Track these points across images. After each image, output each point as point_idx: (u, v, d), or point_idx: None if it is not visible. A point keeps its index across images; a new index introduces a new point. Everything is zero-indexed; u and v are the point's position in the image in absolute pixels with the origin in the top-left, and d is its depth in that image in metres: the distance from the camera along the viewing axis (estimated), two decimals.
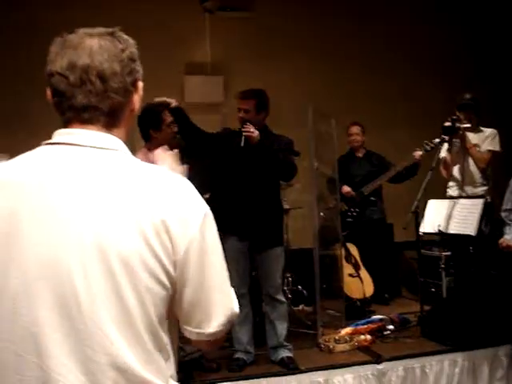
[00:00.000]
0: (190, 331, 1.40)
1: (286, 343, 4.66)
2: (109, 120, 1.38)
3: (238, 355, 4.61)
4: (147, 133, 4.16)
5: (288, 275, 6.05)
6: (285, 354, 4.61)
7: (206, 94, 7.13)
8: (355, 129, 6.68)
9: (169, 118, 4.17)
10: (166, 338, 1.36)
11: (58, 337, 1.24)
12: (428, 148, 5.84)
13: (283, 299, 4.67)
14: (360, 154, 6.77)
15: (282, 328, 4.61)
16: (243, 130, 4.38)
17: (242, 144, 4.36)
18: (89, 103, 1.34)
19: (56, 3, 6.49)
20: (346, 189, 6.53)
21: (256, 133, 4.36)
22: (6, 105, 6.29)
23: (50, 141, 1.38)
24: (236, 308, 1.45)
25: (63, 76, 1.33)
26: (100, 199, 1.28)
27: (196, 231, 1.32)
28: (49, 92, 1.39)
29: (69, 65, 1.33)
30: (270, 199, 4.62)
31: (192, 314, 1.38)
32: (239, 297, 4.43)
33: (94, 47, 1.34)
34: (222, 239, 3.80)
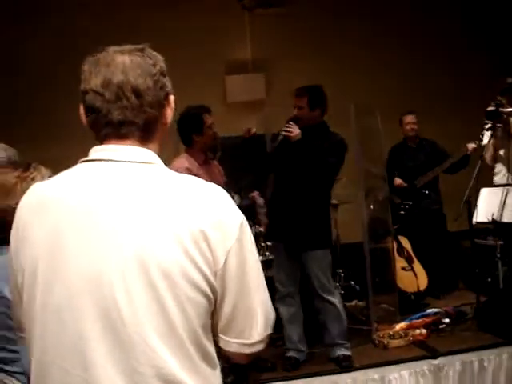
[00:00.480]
0: (229, 342, 1.39)
1: (341, 341, 4.61)
2: (144, 134, 1.40)
3: (290, 354, 4.59)
4: (189, 137, 4.16)
5: (340, 271, 5.99)
6: (341, 352, 4.57)
7: (247, 92, 7.11)
8: (410, 118, 6.56)
9: (209, 120, 4.17)
10: (211, 348, 1.36)
11: (103, 350, 1.25)
12: (483, 142, 5.63)
13: (334, 300, 4.57)
14: (413, 145, 6.64)
15: (335, 328, 4.56)
16: (283, 128, 4.40)
17: (277, 143, 4.43)
18: (125, 118, 1.37)
19: (96, 13, 6.56)
20: (398, 181, 6.44)
21: (296, 132, 4.36)
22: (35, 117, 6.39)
23: (86, 158, 1.40)
24: (273, 313, 1.46)
25: (98, 93, 1.36)
26: (139, 212, 1.30)
27: (234, 241, 1.34)
28: (82, 110, 1.41)
29: (104, 82, 1.35)
30: (312, 200, 4.54)
31: (232, 324, 1.38)
32: (287, 296, 4.43)
33: (126, 63, 1.37)
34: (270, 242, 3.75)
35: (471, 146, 6.00)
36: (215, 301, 1.34)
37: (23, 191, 2.13)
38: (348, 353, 4.59)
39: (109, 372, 1.25)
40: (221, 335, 1.39)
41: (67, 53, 6.20)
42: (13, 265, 1.40)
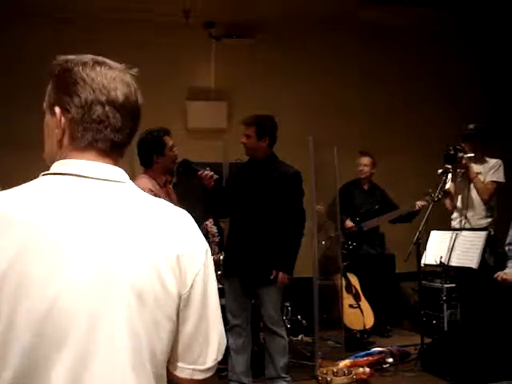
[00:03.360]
0: (184, 368, 1.36)
1: (284, 375, 4.57)
2: (119, 154, 1.38)
3: None
4: (150, 158, 4.13)
5: (287, 304, 5.98)
6: None
7: (209, 119, 7.12)
8: (365, 160, 6.66)
9: (170, 142, 4.16)
10: (164, 376, 1.33)
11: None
12: (435, 198, 5.48)
13: (282, 333, 4.56)
14: (365, 187, 6.74)
15: (280, 361, 4.53)
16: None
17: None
18: (118, 139, 1.35)
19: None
20: (349, 224, 6.50)
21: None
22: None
23: (53, 171, 1.33)
24: (225, 340, 1.44)
25: (116, 110, 1.33)
26: (112, 235, 1.26)
27: (201, 265, 1.34)
28: (68, 118, 1.33)
29: (124, 101, 1.34)
30: (270, 233, 4.49)
31: (190, 348, 1.35)
32: (236, 326, 4.38)
33: (129, 83, 1.36)
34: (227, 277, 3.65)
35: (420, 203, 6.09)
36: (177, 325, 1.32)
37: None
38: None
39: None
40: (176, 362, 1.36)
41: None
42: None
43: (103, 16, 6.66)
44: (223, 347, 1.42)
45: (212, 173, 4.40)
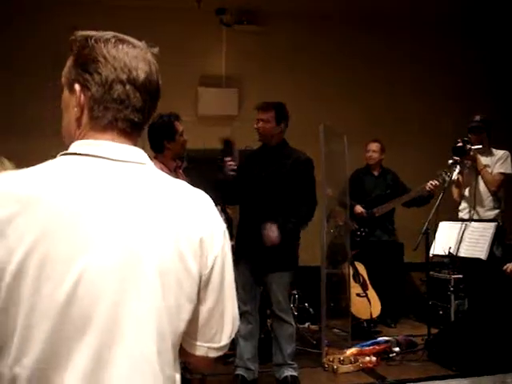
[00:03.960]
0: (200, 347, 1.38)
1: (290, 362, 4.60)
2: (139, 134, 1.38)
3: (239, 371, 4.55)
4: (161, 143, 4.13)
5: (295, 292, 6.00)
6: (289, 372, 4.55)
7: (220, 106, 7.12)
8: (374, 146, 6.64)
9: (180, 128, 4.15)
10: (177, 359, 1.35)
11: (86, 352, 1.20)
12: (446, 178, 5.61)
13: (290, 320, 4.59)
14: (376, 172, 6.73)
15: (287, 347, 4.55)
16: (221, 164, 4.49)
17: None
18: (142, 120, 1.35)
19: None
20: (359, 209, 6.49)
21: (275, 235, 4.35)
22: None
23: (73, 151, 1.30)
24: (239, 319, 1.47)
25: (137, 89, 1.31)
26: (136, 217, 1.25)
27: (220, 247, 1.35)
28: (88, 95, 1.31)
29: (145, 81, 1.32)
30: (285, 216, 4.50)
31: (207, 327, 1.37)
32: (245, 312, 4.38)
33: (151, 62, 1.35)
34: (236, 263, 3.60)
35: (432, 183, 5.95)
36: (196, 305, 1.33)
37: None
38: (296, 373, 4.58)
39: None
40: (192, 340, 1.38)
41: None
42: None
43: (114, 2, 6.65)
44: (237, 326, 1.44)
45: (235, 167, 4.43)
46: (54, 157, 1.31)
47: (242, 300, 4.49)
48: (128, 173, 1.30)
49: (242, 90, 7.24)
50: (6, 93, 6.34)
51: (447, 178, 5.60)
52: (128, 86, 1.30)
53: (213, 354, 1.40)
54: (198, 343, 1.38)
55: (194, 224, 1.30)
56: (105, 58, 1.30)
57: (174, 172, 4.21)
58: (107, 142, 1.31)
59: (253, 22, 7.14)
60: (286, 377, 4.53)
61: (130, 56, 1.32)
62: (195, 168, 4.73)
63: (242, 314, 4.48)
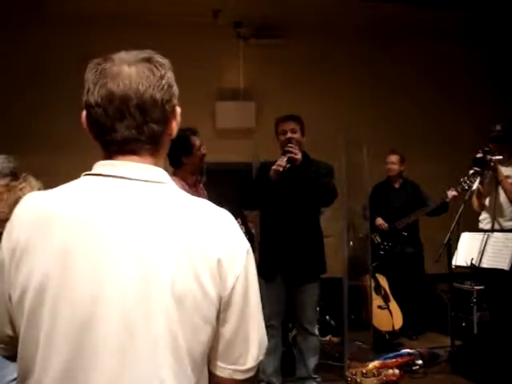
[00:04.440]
0: (224, 369, 1.36)
1: (314, 375, 4.57)
2: (151, 148, 1.35)
3: None
4: (178, 159, 4.13)
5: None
6: None
7: (237, 119, 7.13)
8: (393, 158, 6.63)
9: (197, 142, 4.15)
10: (205, 376, 1.34)
11: (108, 369, 1.21)
12: (466, 186, 5.70)
13: (316, 332, 4.57)
14: (397, 185, 6.70)
15: (312, 360, 4.52)
16: (287, 148, 4.29)
17: (285, 164, 4.24)
18: (130, 135, 1.31)
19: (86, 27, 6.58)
20: (380, 221, 6.47)
21: (300, 154, 4.29)
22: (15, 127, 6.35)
23: (93, 172, 1.34)
24: (266, 340, 1.44)
25: (102, 108, 1.30)
26: (151, 235, 1.25)
27: (242, 268, 1.32)
28: (85, 120, 1.35)
29: (108, 96, 1.29)
30: (310, 229, 4.52)
31: (230, 350, 1.35)
32: (269, 327, 4.29)
33: (132, 77, 1.30)
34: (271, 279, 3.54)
35: (452, 193, 6.06)
36: (217, 326, 1.31)
37: (10, 201, 2.10)
38: None
39: None
40: (216, 361, 1.36)
41: (53, 61, 6.24)
42: (4, 275, 1.30)
43: (133, 18, 6.70)
44: (264, 348, 1.41)
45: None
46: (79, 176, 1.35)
47: (267, 314, 4.46)
48: (145, 192, 1.30)
49: (259, 103, 7.25)
50: (32, 111, 6.42)
51: (467, 187, 5.61)
52: (103, 106, 1.30)
53: (239, 377, 1.38)
54: (222, 364, 1.36)
55: (212, 244, 1.28)
56: (86, 82, 1.33)
57: (194, 187, 4.22)
58: (124, 163, 1.33)
59: (270, 36, 7.17)
60: None
61: (97, 74, 1.32)
62: (214, 181, 4.74)
63: (266, 329, 4.44)
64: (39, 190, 2.22)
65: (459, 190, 5.88)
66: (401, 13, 7.11)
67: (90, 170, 1.36)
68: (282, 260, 4.42)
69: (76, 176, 1.36)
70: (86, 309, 1.21)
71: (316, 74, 7.25)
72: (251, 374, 1.40)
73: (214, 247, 1.28)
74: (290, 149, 4.26)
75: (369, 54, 7.46)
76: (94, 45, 6.22)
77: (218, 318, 1.30)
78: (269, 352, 4.40)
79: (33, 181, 2.31)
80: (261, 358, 1.40)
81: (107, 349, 1.21)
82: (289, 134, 4.42)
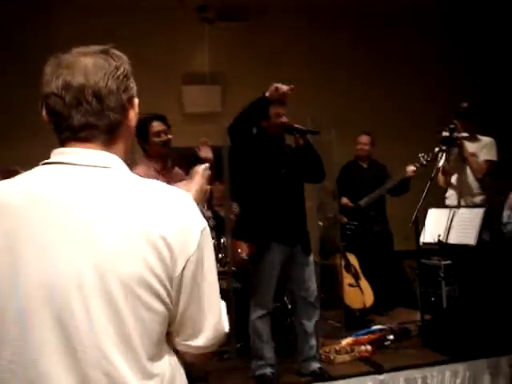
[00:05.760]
0: (178, 342, 1.41)
1: (317, 354, 4.65)
2: (107, 137, 1.38)
3: (263, 370, 4.48)
4: (139, 144, 4.14)
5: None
6: (316, 365, 4.57)
7: (204, 103, 7.13)
8: (364, 138, 6.71)
9: (155, 128, 4.13)
10: (166, 352, 1.37)
11: (57, 358, 1.24)
12: (424, 162, 5.89)
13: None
14: (364, 165, 6.79)
15: (314, 339, 4.57)
16: (298, 126, 4.47)
17: (302, 142, 4.44)
18: (86, 122, 1.35)
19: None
20: (345, 200, 6.55)
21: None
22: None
23: (47, 160, 1.38)
24: (225, 328, 1.47)
25: (59, 97, 1.33)
26: (95, 219, 1.27)
27: (194, 248, 1.32)
28: (44, 111, 1.39)
29: (64, 85, 1.33)
30: (302, 204, 4.60)
31: (182, 327, 1.38)
32: (268, 313, 4.24)
33: (88, 66, 1.34)
34: (266, 249, 3.63)
35: (410, 168, 6.16)
36: (171, 306, 1.33)
37: None
38: (321, 365, 4.61)
39: (62, 381, 1.24)
40: (173, 336, 1.40)
41: (40, 53, 6.13)
42: None
43: (97, 4, 6.63)
44: (220, 330, 1.44)
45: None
46: None
47: (269, 301, 4.47)
48: (90, 177, 1.33)
49: (225, 87, 7.24)
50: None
51: (424, 162, 5.79)
52: (60, 95, 1.34)
53: (193, 351, 1.42)
54: (177, 339, 1.40)
55: (158, 224, 1.28)
56: (44, 75, 1.37)
57: (163, 172, 4.19)
58: (73, 149, 1.36)
59: (235, 19, 7.15)
60: (315, 370, 4.54)
61: (54, 65, 1.36)
62: (183, 166, 4.73)
63: (265, 315, 4.44)
64: None
65: (417, 164, 6.02)
66: None
67: None
68: (290, 234, 4.43)
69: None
70: (36, 297, 1.25)
71: (283, 57, 7.26)
72: (206, 351, 1.44)
73: (157, 225, 1.28)
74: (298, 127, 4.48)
75: (338, 37, 7.50)
76: (60, 33, 6.22)
77: (170, 296, 1.31)
78: (264, 338, 4.43)
79: None
80: (215, 340, 1.43)
81: (48, 337, 1.25)
82: (284, 118, 4.50)
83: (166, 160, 4.29)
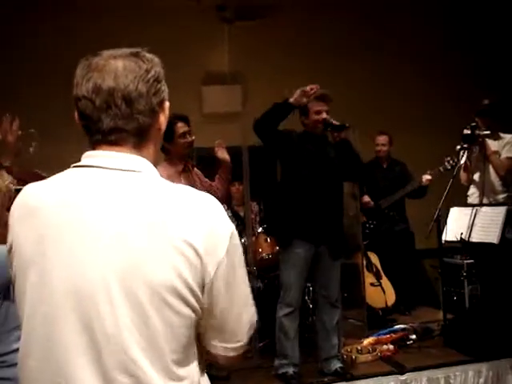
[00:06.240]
0: (216, 346, 1.41)
1: (338, 353, 4.64)
2: (136, 141, 1.37)
3: (287, 369, 4.48)
4: (163, 146, 4.14)
5: (309, 284, 6.01)
6: (338, 364, 4.57)
7: (224, 103, 7.12)
8: (382, 139, 6.68)
9: (181, 129, 4.14)
10: (193, 358, 1.36)
11: (84, 361, 1.25)
12: (448, 167, 5.92)
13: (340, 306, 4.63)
14: (385, 165, 6.76)
15: (336, 337, 4.58)
16: (335, 122, 4.41)
17: (338, 139, 4.42)
18: (115, 126, 1.34)
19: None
20: (366, 199, 6.53)
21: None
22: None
23: (78, 163, 1.38)
24: (255, 322, 1.47)
25: (89, 100, 1.33)
26: (125, 224, 1.27)
27: (224, 253, 1.31)
28: (76, 115, 1.39)
29: (94, 88, 1.33)
30: (339, 202, 4.59)
31: (218, 330, 1.39)
32: (295, 311, 4.26)
33: (118, 69, 1.33)
34: (289, 244, 3.66)
35: (426, 177, 6.21)
36: (202, 311, 1.32)
37: None
38: (343, 365, 4.61)
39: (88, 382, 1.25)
40: (209, 340, 1.40)
41: (66, 53, 6.21)
42: (8, 264, 1.40)
43: (116, 5, 6.67)
44: (253, 326, 1.45)
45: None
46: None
47: (297, 299, 4.47)
48: (119, 180, 1.33)
49: (246, 86, 7.24)
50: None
51: (449, 167, 5.85)
52: (90, 98, 1.33)
53: (231, 353, 1.43)
54: (214, 343, 1.40)
55: (187, 230, 1.27)
56: (75, 78, 1.38)
57: (183, 173, 4.20)
58: (102, 152, 1.37)
59: (254, 17, 7.14)
60: (337, 369, 4.54)
61: (84, 68, 1.36)
62: (203, 166, 4.74)
63: (292, 312, 4.44)
64: (10, 183, 2.49)
65: (441, 170, 6.04)
66: None
67: None
68: (325, 235, 4.43)
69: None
70: (64, 300, 1.27)
71: (303, 54, 7.23)
72: (241, 351, 1.45)
73: (189, 233, 1.27)
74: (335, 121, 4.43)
75: (357, 34, 7.45)
76: (75, 35, 6.26)
77: (201, 302, 1.31)
78: (295, 336, 4.44)
79: (5, 175, 2.54)
80: (249, 337, 1.45)
81: (75, 340, 1.26)
82: (324, 115, 4.46)
83: (187, 161, 4.32)
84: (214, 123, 6.81)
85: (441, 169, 6.04)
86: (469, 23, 7.76)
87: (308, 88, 4.25)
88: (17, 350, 2.36)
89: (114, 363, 1.24)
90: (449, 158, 5.88)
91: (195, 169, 4.42)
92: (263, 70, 7.12)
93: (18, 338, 2.39)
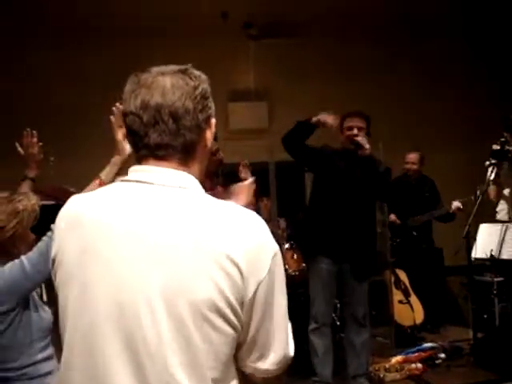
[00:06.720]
0: (247, 365, 1.39)
1: (367, 372, 4.59)
2: (182, 156, 1.38)
3: None
4: None
5: (336, 301, 5.96)
6: (366, 382, 4.53)
7: (250, 119, 7.16)
8: (413, 157, 6.56)
9: (213, 146, 4.15)
10: (233, 376, 1.36)
11: (124, 377, 1.25)
12: (473, 199, 5.75)
13: (368, 325, 4.59)
14: (413, 181, 6.65)
15: (365, 356, 4.54)
16: (357, 138, 4.34)
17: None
18: (161, 141, 1.35)
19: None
20: (393, 217, 6.46)
21: (368, 145, 4.34)
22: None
23: (124, 178, 1.40)
24: (291, 352, 1.44)
25: (137, 116, 1.35)
26: (169, 240, 1.27)
27: (265, 273, 1.30)
28: (125, 129, 1.42)
29: (142, 104, 1.34)
30: (368, 221, 4.54)
31: (251, 350, 1.37)
32: (323, 326, 4.22)
33: (166, 86, 1.35)
34: (313, 260, 3.64)
35: (456, 205, 6.13)
36: (241, 329, 1.32)
37: (8, 210, 2.42)
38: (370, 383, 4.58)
39: None
40: (242, 360, 1.38)
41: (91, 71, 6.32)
42: (52, 275, 1.43)
43: (141, 23, 6.75)
44: (286, 355, 1.42)
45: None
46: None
47: (322, 314, 4.43)
48: (164, 196, 1.34)
49: (271, 103, 7.26)
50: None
51: (473, 200, 5.68)
52: (137, 114, 1.35)
53: (261, 375, 1.40)
54: (245, 363, 1.38)
55: (231, 248, 1.26)
56: (124, 94, 1.40)
57: (211, 190, 4.21)
58: (149, 167, 1.38)
59: (280, 35, 7.18)
60: None
61: (133, 84, 1.38)
62: (229, 183, 4.74)
63: (320, 327, 4.41)
64: (37, 203, 2.54)
65: (473, 199, 5.84)
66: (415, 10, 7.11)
67: None
68: (349, 254, 4.39)
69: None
70: (106, 313, 1.27)
71: (328, 71, 7.25)
72: (273, 374, 1.41)
73: (232, 251, 1.26)
74: (359, 138, 4.34)
75: (382, 51, 7.45)
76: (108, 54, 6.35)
77: (240, 320, 1.30)
78: (326, 353, 4.40)
79: (31, 195, 2.59)
80: (281, 364, 1.41)
81: (117, 351, 1.26)
82: (355, 131, 4.41)
83: (215, 178, 4.33)
84: (240, 139, 6.84)
85: (472, 198, 5.91)
86: (493, 40, 7.71)
87: (327, 119, 4.20)
88: (38, 362, 2.39)
89: (153, 375, 1.24)
90: (479, 187, 5.76)
91: (219, 188, 4.42)
92: (288, 86, 7.15)
93: (40, 350, 2.41)
